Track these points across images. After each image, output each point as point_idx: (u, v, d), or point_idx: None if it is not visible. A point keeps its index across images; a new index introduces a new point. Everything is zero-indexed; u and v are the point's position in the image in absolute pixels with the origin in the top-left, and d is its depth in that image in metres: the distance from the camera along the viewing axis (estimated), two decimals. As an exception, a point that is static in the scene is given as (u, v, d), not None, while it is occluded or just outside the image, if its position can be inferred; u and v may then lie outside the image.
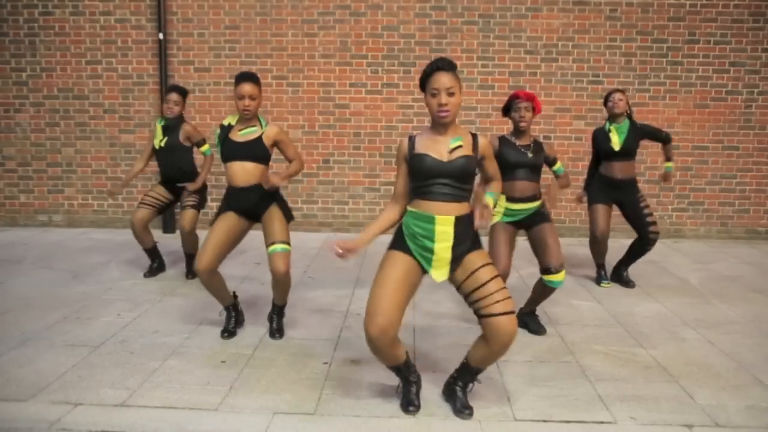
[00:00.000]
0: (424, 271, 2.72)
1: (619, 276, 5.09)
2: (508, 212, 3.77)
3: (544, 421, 2.79)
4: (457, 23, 6.83)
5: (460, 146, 2.65)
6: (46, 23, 6.95)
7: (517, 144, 3.77)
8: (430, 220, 2.63)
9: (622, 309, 4.43)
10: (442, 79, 2.56)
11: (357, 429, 2.69)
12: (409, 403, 2.84)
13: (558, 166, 4.00)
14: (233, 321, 3.80)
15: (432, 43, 6.86)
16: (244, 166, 3.55)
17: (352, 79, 6.95)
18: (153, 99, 7.02)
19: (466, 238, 2.68)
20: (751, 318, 4.29)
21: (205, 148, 4.99)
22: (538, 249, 3.77)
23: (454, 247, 2.65)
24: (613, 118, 4.83)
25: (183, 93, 4.91)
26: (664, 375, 3.30)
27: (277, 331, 3.79)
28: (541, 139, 3.99)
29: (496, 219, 3.80)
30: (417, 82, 6.82)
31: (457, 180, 2.63)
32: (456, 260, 2.67)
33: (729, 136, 6.96)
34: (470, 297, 2.66)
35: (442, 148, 2.65)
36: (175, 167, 4.96)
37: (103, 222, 7.25)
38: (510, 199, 3.75)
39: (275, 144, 3.64)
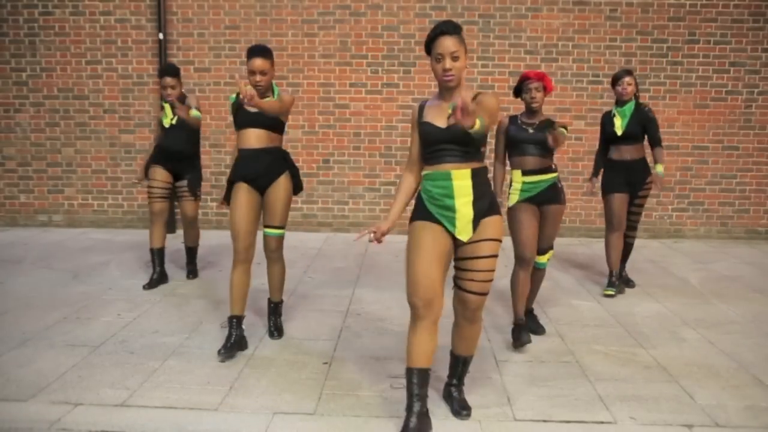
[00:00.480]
0: (451, 235, 2.67)
1: (618, 275, 5.08)
2: (525, 187, 3.73)
3: (544, 421, 2.79)
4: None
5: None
6: (46, 23, 6.95)
7: (524, 122, 3.79)
8: (447, 176, 2.60)
9: (622, 309, 4.43)
10: (446, 43, 2.52)
11: (357, 429, 2.69)
12: None
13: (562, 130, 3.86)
14: (234, 337, 3.49)
15: (432, 43, 6.85)
16: (257, 132, 3.53)
17: (352, 79, 6.95)
18: (153, 99, 7.02)
19: (485, 192, 2.65)
20: (751, 318, 4.29)
21: (196, 112, 4.72)
22: (539, 229, 3.81)
23: (475, 202, 2.61)
24: (621, 102, 4.79)
25: (176, 74, 4.63)
26: (664, 375, 3.30)
27: (276, 330, 3.79)
28: (556, 119, 3.95)
29: (514, 199, 3.77)
30: (417, 82, 6.88)
31: (460, 144, 2.60)
32: (477, 218, 2.63)
33: (729, 136, 6.96)
34: (459, 262, 2.69)
35: (444, 114, 2.62)
36: (183, 143, 4.78)
37: (103, 222, 7.25)
38: (524, 173, 3.75)
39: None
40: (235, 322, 3.52)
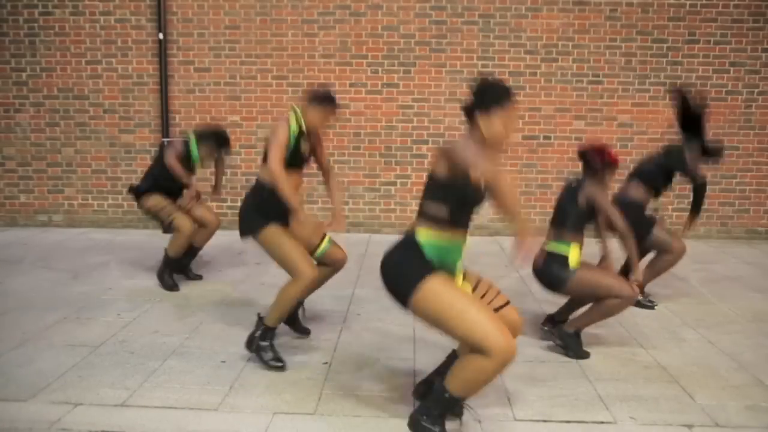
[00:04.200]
0: None
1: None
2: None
3: (544, 421, 2.79)
4: (457, 23, 6.83)
5: None
6: (46, 23, 6.95)
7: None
8: (464, 241, 2.56)
9: (622, 309, 4.43)
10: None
11: (357, 429, 2.70)
12: None
13: None
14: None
15: (432, 43, 6.86)
16: (299, 174, 3.51)
17: (352, 79, 6.95)
18: (153, 99, 7.02)
19: None
20: (751, 318, 4.29)
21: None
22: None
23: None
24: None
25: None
26: (664, 375, 3.30)
27: (302, 328, 3.84)
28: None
29: (578, 263, 3.57)
30: (417, 81, 6.87)
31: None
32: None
33: (729, 136, 6.95)
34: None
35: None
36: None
37: (103, 222, 7.25)
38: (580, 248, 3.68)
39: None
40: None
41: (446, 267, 2.51)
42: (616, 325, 4.08)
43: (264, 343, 3.33)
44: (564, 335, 3.58)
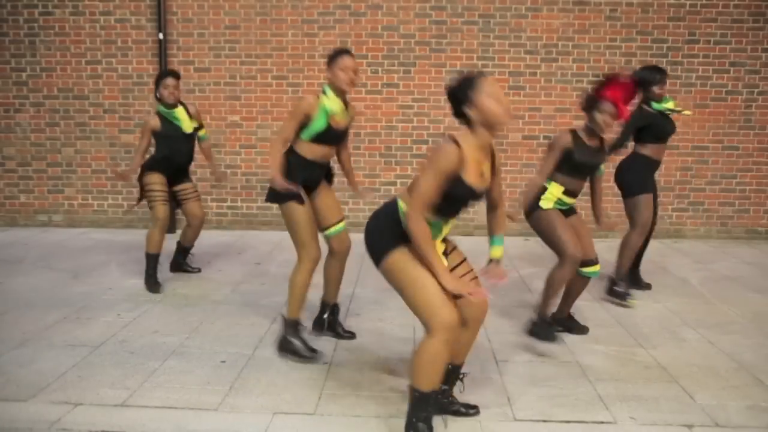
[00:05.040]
0: None
1: (637, 279, 4.96)
2: (558, 202, 3.68)
3: (544, 421, 2.79)
4: (457, 23, 6.83)
5: None
6: (46, 23, 6.95)
7: (589, 144, 3.65)
8: (445, 224, 2.57)
9: (622, 309, 4.43)
10: None
11: (357, 429, 2.70)
12: None
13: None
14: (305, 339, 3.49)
15: (432, 43, 6.86)
16: (331, 149, 3.54)
17: (352, 79, 6.95)
18: (153, 99, 7.01)
19: None
20: (751, 318, 4.29)
21: (204, 132, 5.03)
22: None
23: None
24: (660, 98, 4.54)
25: (178, 76, 4.87)
26: (664, 375, 3.30)
27: (346, 331, 3.78)
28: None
29: (549, 205, 3.64)
30: (417, 82, 6.87)
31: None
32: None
33: (729, 136, 6.96)
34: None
35: (478, 170, 2.49)
36: (189, 154, 4.91)
37: (103, 222, 7.25)
38: (566, 192, 3.67)
39: None
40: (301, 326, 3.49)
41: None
42: (616, 325, 4.09)
43: (293, 339, 3.38)
44: (531, 325, 3.66)
